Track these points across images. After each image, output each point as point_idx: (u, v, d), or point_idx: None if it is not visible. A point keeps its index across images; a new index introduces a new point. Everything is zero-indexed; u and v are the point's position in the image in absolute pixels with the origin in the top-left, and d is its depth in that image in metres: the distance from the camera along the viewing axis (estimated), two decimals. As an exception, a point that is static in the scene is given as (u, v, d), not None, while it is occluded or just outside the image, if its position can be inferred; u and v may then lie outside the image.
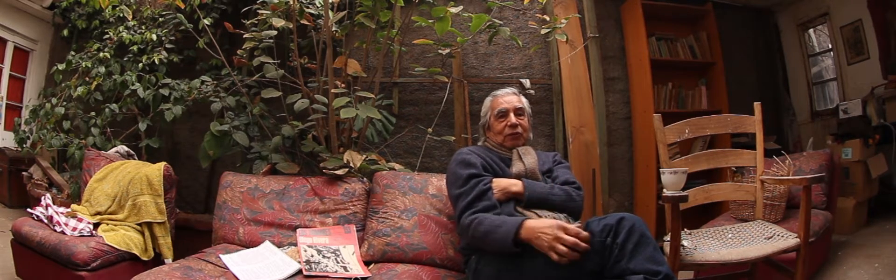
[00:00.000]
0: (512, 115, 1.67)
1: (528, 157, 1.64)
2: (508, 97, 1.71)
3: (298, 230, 1.82)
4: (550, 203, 1.52)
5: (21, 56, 3.42)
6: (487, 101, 1.76)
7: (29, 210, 1.97)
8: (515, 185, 1.54)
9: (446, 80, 2.40)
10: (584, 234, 1.20)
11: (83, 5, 3.00)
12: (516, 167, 1.62)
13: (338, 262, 1.67)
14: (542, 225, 1.24)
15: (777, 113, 3.64)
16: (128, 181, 2.00)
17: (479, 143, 1.79)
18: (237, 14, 2.50)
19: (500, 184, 1.54)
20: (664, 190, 1.54)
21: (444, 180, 1.84)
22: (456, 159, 1.60)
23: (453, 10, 1.95)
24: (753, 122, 1.82)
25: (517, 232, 1.27)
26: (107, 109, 2.58)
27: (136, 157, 2.38)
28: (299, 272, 1.60)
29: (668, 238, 1.51)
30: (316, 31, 2.28)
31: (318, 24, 2.22)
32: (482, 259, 1.43)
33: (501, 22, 2.15)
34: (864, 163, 2.75)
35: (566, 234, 1.20)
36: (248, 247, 1.82)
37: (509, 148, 1.69)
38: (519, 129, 1.67)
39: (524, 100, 1.73)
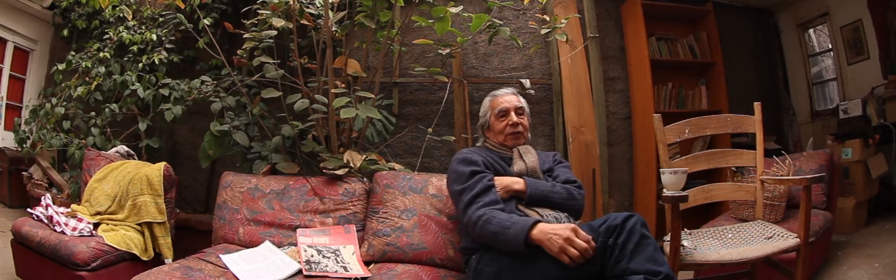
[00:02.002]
0: (513, 114, 1.67)
1: (529, 156, 1.64)
2: (508, 97, 1.71)
3: (298, 230, 1.82)
4: (552, 201, 1.52)
5: (21, 56, 3.42)
6: (486, 101, 1.75)
7: (29, 210, 1.97)
8: (517, 182, 1.54)
9: (446, 80, 2.40)
10: (592, 243, 1.21)
11: (83, 5, 3.00)
12: (517, 166, 1.62)
13: (338, 262, 1.67)
14: (557, 227, 1.24)
15: (777, 113, 3.64)
16: (128, 181, 2.00)
17: (478, 144, 1.78)
18: (237, 14, 2.50)
19: (502, 182, 1.54)
20: (664, 190, 1.54)
21: (445, 180, 1.85)
22: (457, 158, 1.60)
23: (453, 10, 1.95)
24: (753, 122, 1.82)
25: (528, 234, 1.26)
26: (107, 109, 2.58)
27: (136, 157, 2.38)
28: (299, 272, 1.60)
29: (668, 238, 1.51)
30: (316, 31, 2.29)
31: (318, 24, 2.22)
32: (483, 259, 1.43)
33: (501, 22, 2.15)
34: (864, 163, 2.75)
35: (578, 237, 1.20)
36: (248, 247, 1.82)
37: (510, 147, 1.69)
38: (520, 129, 1.67)
39: (522, 99, 1.73)
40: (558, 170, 1.68)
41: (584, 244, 1.19)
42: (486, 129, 1.74)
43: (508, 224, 1.31)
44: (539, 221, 1.29)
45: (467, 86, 2.71)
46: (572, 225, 1.24)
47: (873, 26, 3.06)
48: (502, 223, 1.33)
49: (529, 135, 1.74)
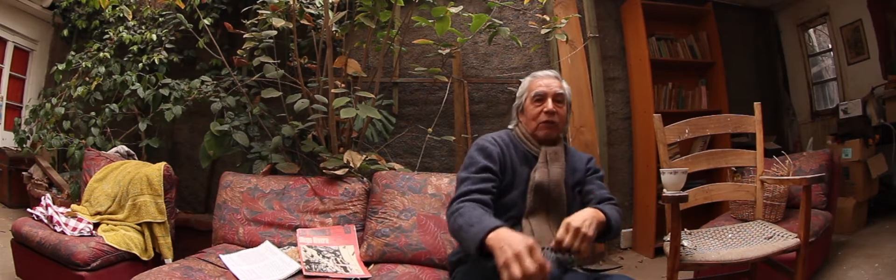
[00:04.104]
0: (550, 100, 1.44)
1: (556, 166, 1.40)
2: (548, 80, 1.47)
3: (298, 230, 1.82)
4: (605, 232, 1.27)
5: (21, 56, 3.42)
6: (525, 81, 1.53)
7: (29, 210, 1.97)
8: (599, 215, 1.22)
9: (446, 80, 2.40)
10: (548, 268, 0.97)
11: (83, 5, 3.00)
12: (539, 174, 1.38)
13: (338, 263, 1.67)
14: (515, 239, 1.02)
15: (777, 113, 3.64)
16: (128, 181, 2.00)
17: (511, 127, 1.54)
18: (237, 14, 2.51)
19: (584, 217, 1.18)
20: (664, 190, 1.54)
21: (444, 180, 1.85)
22: (479, 144, 1.42)
23: (453, 10, 1.95)
24: (753, 122, 1.82)
25: (485, 237, 1.08)
26: (107, 109, 2.58)
27: (136, 157, 2.38)
28: (299, 272, 1.61)
29: (668, 238, 1.51)
30: (316, 31, 2.29)
31: (318, 24, 2.23)
32: (465, 277, 1.33)
33: (501, 22, 2.15)
34: (864, 163, 2.75)
35: (530, 257, 0.97)
36: (248, 247, 1.82)
37: (540, 140, 1.45)
38: (555, 118, 1.43)
39: (566, 86, 1.50)
40: (591, 184, 1.43)
41: (531, 268, 0.95)
42: (519, 112, 1.52)
43: (474, 221, 1.15)
44: (502, 226, 1.08)
45: (467, 86, 2.71)
46: (531, 241, 1.01)
47: (873, 26, 3.06)
48: (470, 220, 1.17)
49: (567, 127, 1.52)
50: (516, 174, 1.40)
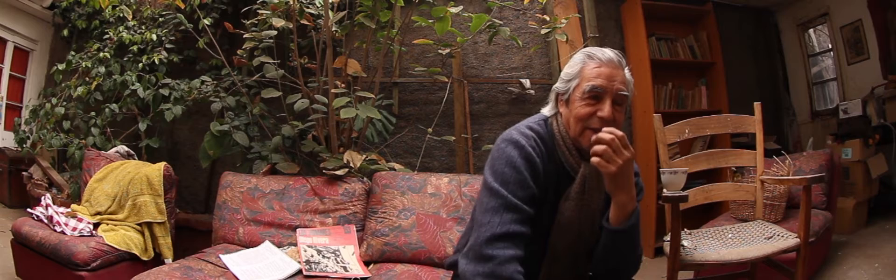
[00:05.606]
0: (608, 102, 1.02)
1: (595, 196, 1.09)
2: (610, 70, 1.03)
3: (298, 230, 1.82)
4: (613, 251, 1.11)
5: (21, 56, 3.42)
6: (577, 61, 1.07)
7: (29, 210, 1.97)
8: (631, 187, 1.03)
9: (446, 80, 2.40)
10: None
11: (83, 5, 3.00)
12: (569, 208, 1.05)
13: (338, 263, 1.67)
14: None
15: (777, 113, 3.64)
16: (128, 181, 2.00)
17: (547, 114, 1.12)
18: (237, 14, 2.50)
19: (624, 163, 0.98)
20: (664, 190, 1.54)
21: (442, 180, 1.84)
22: (525, 151, 1.01)
23: (453, 10, 1.95)
24: (753, 122, 1.82)
25: None
26: (107, 109, 2.58)
27: (136, 157, 2.38)
28: (299, 272, 1.61)
29: (668, 238, 1.52)
30: (316, 31, 2.29)
31: (318, 24, 2.23)
32: None
33: (501, 22, 2.15)
34: (864, 163, 2.75)
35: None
36: (248, 247, 1.82)
37: (584, 151, 1.05)
38: (611, 126, 1.01)
39: (630, 77, 1.07)
40: None
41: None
42: (562, 101, 1.09)
43: None
44: None
45: (467, 86, 2.71)
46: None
47: (873, 26, 3.06)
48: None
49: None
50: (545, 199, 1.05)
